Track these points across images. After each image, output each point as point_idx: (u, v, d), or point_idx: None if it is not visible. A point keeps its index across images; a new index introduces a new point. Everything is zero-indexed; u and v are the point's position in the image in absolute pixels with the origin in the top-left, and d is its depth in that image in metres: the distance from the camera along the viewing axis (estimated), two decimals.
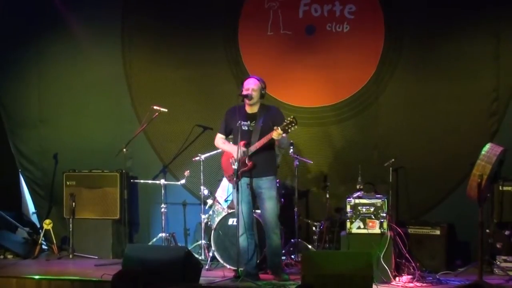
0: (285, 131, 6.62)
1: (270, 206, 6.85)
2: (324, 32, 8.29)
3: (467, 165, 7.10)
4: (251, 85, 6.91)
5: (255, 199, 6.96)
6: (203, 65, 8.65)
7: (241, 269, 6.80)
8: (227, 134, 7.11)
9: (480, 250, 6.62)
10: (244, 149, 6.80)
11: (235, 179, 6.77)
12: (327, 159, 8.31)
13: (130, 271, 4.93)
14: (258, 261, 7.00)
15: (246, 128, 6.91)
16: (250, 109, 6.97)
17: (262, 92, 6.94)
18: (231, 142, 7.13)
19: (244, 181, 6.86)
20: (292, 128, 6.62)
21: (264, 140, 6.74)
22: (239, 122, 6.83)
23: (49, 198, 9.13)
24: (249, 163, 6.81)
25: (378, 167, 7.76)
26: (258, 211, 7.14)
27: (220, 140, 7.12)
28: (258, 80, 6.96)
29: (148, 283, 4.47)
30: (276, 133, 6.61)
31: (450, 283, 6.76)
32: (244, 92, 6.89)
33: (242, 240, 6.84)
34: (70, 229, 8.38)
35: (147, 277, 4.53)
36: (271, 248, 6.93)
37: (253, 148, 6.80)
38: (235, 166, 6.80)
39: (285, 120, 6.62)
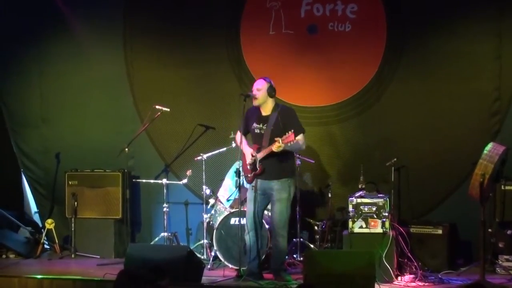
0: (285, 143, 6.55)
1: (279, 208, 6.82)
2: (326, 31, 8.29)
3: (469, 164, 7.09)
4: (255, 86, 6.91)
5: (268, 201, 6.97)
6: (205, 64, 8.65)
7: (243, 268, 6.80)
8: (245, 133, 7.07)
9: (482, 249, 6.61)
10: (255, 154, 6.79)
11: (237, 177, 6.78)
12: (329, 158, 8.30)
13: (135, 271, 4.93)
14: (261, 261, 6.99)
15: (258, 131, 6.89)
16: (264, 111, 6.93)
17: (269, 91, 6.88)
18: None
19: (253, 183, 6.87)
20: (292, 143, 6.53)
21: (267, 151, 6.70)
22: (253, 125, 6.86)
23: (51, 198, 9.14)
24: (259, 167, 6.80)
25: (380, 167, 7.75)
26: (266, 212, 7.14)
27: (239, 138, 7.02)
28: (264, 79, 6.93)
29: (150, 281, 4.49)
30: (276, 146, 6.57)
31: (452, 283, 6.76)
32: (247, 92, 6.89)
33: (247, 239, 6.85)
34: (72, 229, 8.39)
35: (150, 277, 4.54)
36: (275, 250, 6.91)
37: (259, 156, 6.79)
38: (247, 166, 6.84)
39: (286, 133, 6.53)
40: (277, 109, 6.90)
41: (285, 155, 6.81)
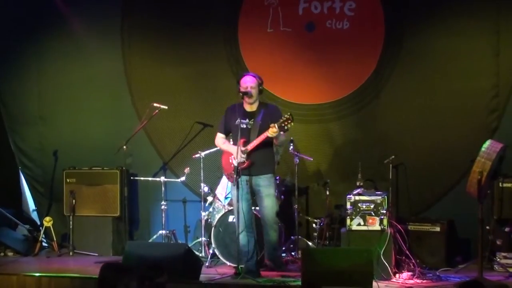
0: (281, 128, 6.61)
1: (268, 203, 6.88)
2: (324, 29, 8.29)
3: (467, 161, 7.10)
4: (249, 83, 6.92)
5: (254, 197, 6.98)
6: (203, 62, 8.65)
7: (241, 266, 6.80)
8: (226, 133, 7.12)
9: (480, 246, 6.62)
10: (243, 148, 6.80)
11: (235, 176, 6.78)
12: (327, 156, 8.31)
13: (120, 264, 4.92)
14: (258, 258, 7.00)
15: (245, 126, 6.92)
16: (249, 107, 6.98)
17: (260, 88, 6.95)
18: (231, 141, 7.14)
19: (243, 178, 6.87)
20: (289, 126, 6.61)
21: (260, 139, 6.75)
22: (238, 120, 6.85)
23: (49, 196, 9.14)
24: (247, 161, 6.82)
25: (378, 164, 7.76)
26: (257, 208, 7.15)
27: (220, 140, 7.14)
28: (255, 77, 6.96)
29: (147, 279, 4.47)
30: (272, 131, 6.61)
31: (450, 280, 6.76)
32: (243, 90, 6.91)
33: (242, 237, 6.85)
34: (70, 227, 8.39)
35: (146, 273, 4.52)
36: (269, 244, 6.98)
37: (250, 146, 6.81)
38: (235, 164, 6.80)
39: (282, 117, 6.62)
40: (262, 104, 6.99)
41: (268, 150, 6.90)
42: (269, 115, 6.87)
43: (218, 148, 7.64)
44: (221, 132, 7.13)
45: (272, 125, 6.62)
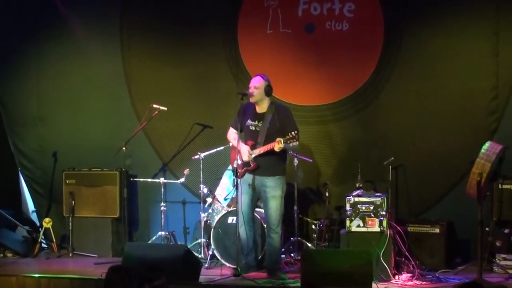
0: (286, 144, 6.63)
1: (273, 205, 6.85)
2: (323, 30, 8.28)
3: (466, 163, 7.09)
4: (253, 83, 6.93)
5: (259, 197, 6.97)
6: (203, 63, 8.65)
7: (240, 267, 6.80)
8: (239, 130, 7.08)
9: (479, 248, 6.62)
10: (250, 152, 6.80)
11: (234, 178, 6.79)
12: (326, 157, 8.30)
13: (127, 267, 4.92)
14: (259, 257, 7.01)
15: (253, 128, 6.91)
16: (259, 108, 6.95)
17: (266, 90, 6.90)
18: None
19: (248, 177, 6.88)
20: (294, 143, 6.62)
21: (265, 148, 6.74)
22: (247, 121, 6.85)
23: (49, 197, 9.13)
24: (253, 164, 6.82)
25: (378, 165, 7.74)
26: (259, 209, 7.14)
27: (232, 134, 7.12)
28: (262, 77, 6.94)
29: (146, 281, 4.47)
30: (277, 147, 6.62)
31: (450, 281, 6.76)
32: (244, 91, 6.90)
33: (242, 232, 6.84)
34: (70, 228, 8.39)
35: (146, 274, 4.53)
36: (270, 247, 6.94)
37: (256, 152, 6.80)
38: (238, 162, 6.81)
39: (289, 134, 6.60)
40: (272, 107, 6.92)
41: (279, 153, 6.83)
42: (278, 117, 6.83)
43: (217, 148, 7.68)
44: (233, 128, 7.11)
45: (278, 139, 6.61)
